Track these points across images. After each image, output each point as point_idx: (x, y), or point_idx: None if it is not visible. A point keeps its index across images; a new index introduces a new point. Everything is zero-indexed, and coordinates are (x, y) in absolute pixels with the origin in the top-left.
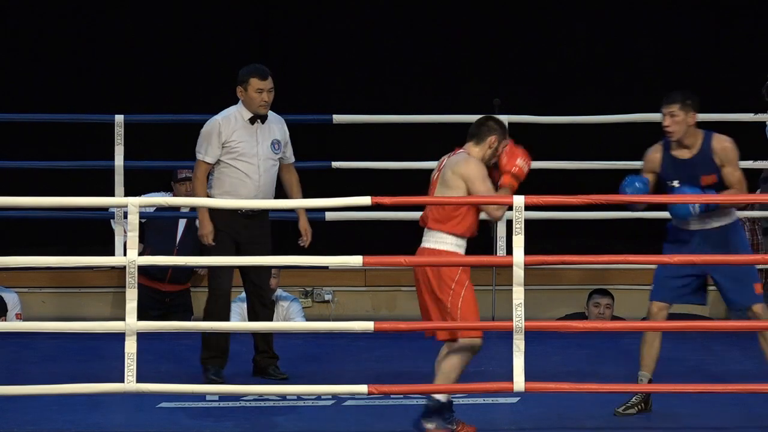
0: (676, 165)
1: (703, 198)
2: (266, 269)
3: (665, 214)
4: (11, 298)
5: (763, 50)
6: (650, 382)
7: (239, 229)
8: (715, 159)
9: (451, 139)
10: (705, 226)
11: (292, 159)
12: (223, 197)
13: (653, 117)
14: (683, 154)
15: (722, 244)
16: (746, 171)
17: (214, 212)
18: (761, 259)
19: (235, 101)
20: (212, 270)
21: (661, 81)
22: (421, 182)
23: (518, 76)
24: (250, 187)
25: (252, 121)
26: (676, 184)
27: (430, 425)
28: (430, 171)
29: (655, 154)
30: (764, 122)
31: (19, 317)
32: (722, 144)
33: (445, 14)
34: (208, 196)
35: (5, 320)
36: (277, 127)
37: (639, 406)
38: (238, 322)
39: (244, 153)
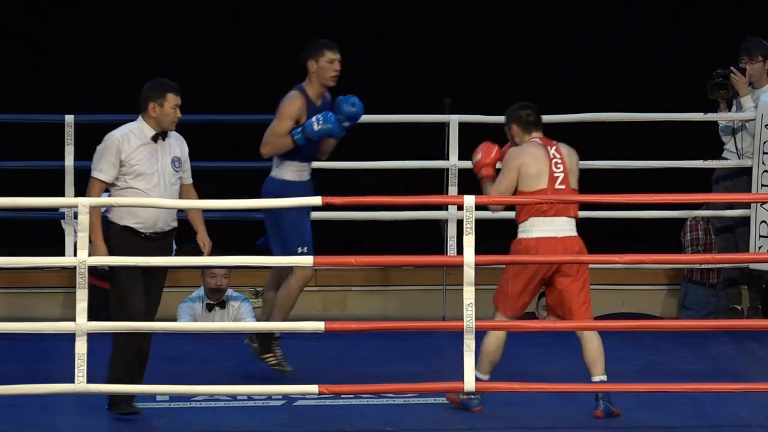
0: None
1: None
2: (159, 292)
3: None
4: None
5: (713, 48)
6: None
7: (141, 252)
8: None
9: (398, 139)
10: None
11: (190, 179)
12: (124, 219)
13: (604, 116)
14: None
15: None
16: (699, 171)
17: (115, 234)
18: (711, 258)
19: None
20: (120, 294)
21: (614, 80)
22: (369, 182)
23: (469, 75)
24: (151, 208)
25: (155, 138)
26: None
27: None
28: (380, 171)
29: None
30: (717, 122)
31: None
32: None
33: (400, 13)
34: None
35: None
36: (177, 144)
37: None
38: (188, 322)
39: (143, 172)
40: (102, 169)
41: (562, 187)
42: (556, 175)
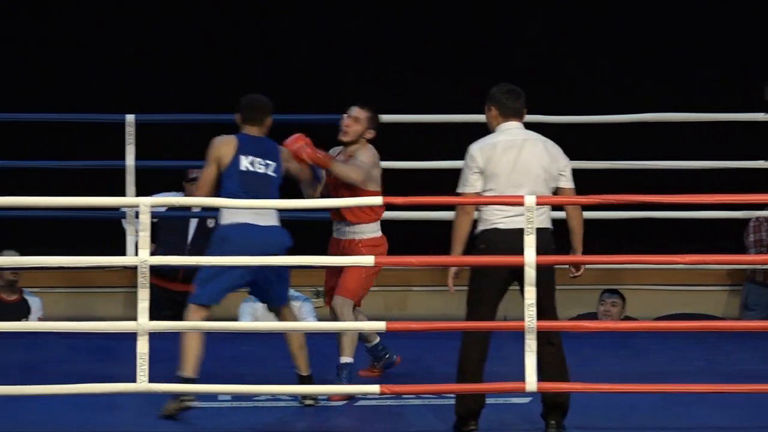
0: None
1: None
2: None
3: (681, 214)
4: (35, 302)
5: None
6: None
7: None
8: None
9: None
10: None
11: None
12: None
13: (665, 117)
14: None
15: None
16: (761, 171)
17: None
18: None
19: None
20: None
21: (672, 81)
22: (432, 182)
23: (529, 75)
24: None
25: None
26: None
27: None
28: (442, 171)
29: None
30: None
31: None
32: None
33: (454, 13)
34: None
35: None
36: None
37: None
38: (250, 322)
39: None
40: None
41: None
42: None
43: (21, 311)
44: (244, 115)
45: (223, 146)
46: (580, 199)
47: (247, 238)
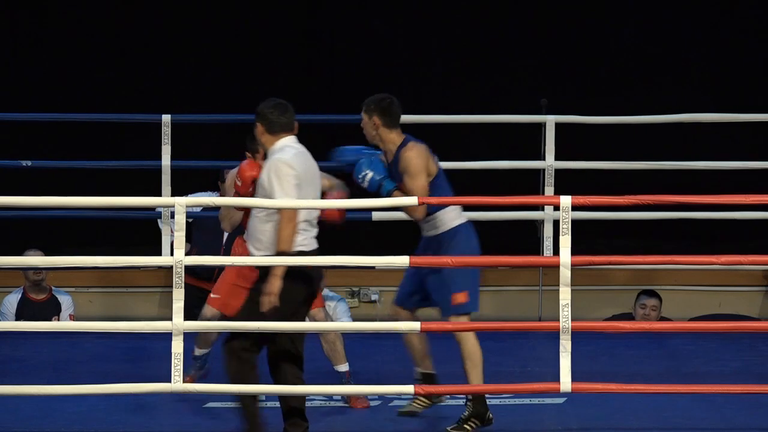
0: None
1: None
2: None
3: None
4: (65, 300)
5: None
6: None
7: None
8: (399, 167)
9: (497, 139)
10: (425, 233)
11: None
12: None
13: (701, 117)
14: (388, 157)
15: (436, 250)
16: None
17: None
18: None
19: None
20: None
21: (710, 81)
22: (464, 182)
23: (566, 76)
24: None
25: None
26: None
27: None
28: (475, 171)
29: None
30: None
31: (72, 318)
32: (404, 153)
33: (493, 13)
34: None
35: (59, 320)
36: None
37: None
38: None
39: None
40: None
41: None
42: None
43: (51, 309)
44: (394, 120)
45: (426, 154)
46: (618, 199)
47: (474, 235)
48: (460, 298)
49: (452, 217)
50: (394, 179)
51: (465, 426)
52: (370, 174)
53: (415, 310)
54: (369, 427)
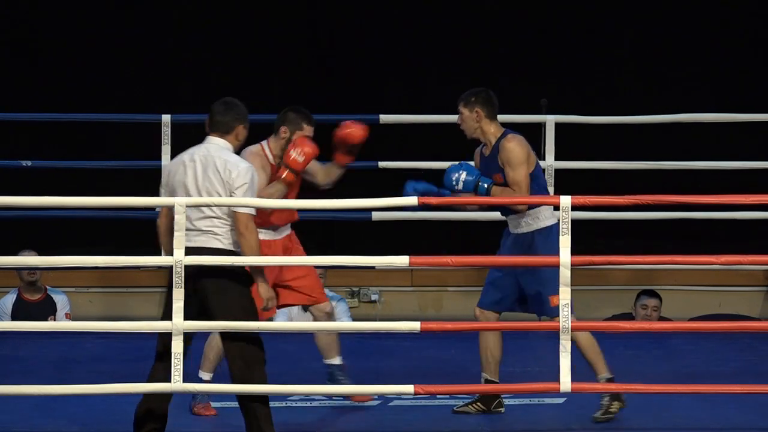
0: (481, 161)
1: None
2: None
3: (716, 214)
4: (60, 299)
5: None
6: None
7: None
8: (499, 158)
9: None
10: (514, 230)
11: None
12: None
13: (701, 117)
14: (485, 150)
15: (527, 248)
16: None
17: None
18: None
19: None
20: None
21: (710, 81)
22: None
23: (566, 76)
24: None
25: None
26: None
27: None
28: None
29: (477, 150)
30: None
31: (68, 317)
32: (505, 144)
33: (493, 13)
34: None
35: (54, 320)
36: None
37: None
38: (284, 322)
39: None
40: None
41: None
42: None
43: (46, 309)
44: (494, 110)
45: (527, 145)
46: (618, 199)
47: None
48: (556, 300)
49: (548, 215)
50: (491, 174)
51: (470, 407)
52: (464, 175)
53: (500, 314)
54: (369, 426)
